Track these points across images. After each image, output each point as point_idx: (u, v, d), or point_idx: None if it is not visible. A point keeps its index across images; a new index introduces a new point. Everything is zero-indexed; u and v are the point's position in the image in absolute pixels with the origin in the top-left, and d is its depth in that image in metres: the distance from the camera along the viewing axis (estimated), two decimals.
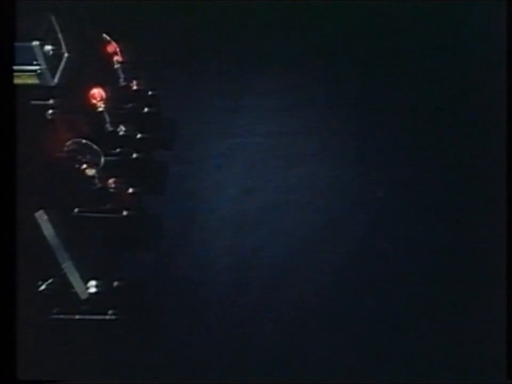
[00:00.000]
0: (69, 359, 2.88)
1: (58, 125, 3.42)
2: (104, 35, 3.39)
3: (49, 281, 2.86)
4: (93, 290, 2.91)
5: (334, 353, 2.94)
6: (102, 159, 3.05)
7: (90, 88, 3.21)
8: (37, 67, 3.43)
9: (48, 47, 3.48)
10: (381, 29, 4.56)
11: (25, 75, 3.45)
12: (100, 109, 3.26)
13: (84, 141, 3.05)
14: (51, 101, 3.52)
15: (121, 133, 3.46)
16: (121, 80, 3.59)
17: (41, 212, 2.49)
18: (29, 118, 3.15)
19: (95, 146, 3.04)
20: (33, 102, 3.45)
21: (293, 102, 4.18)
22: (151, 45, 4.40)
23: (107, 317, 2.93)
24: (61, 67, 3.62)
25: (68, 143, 3.06)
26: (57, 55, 3.60)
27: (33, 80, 3.48)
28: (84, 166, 3.00)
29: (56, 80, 3.53)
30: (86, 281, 2.88)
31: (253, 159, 3.85)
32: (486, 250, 3.15)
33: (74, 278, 2.75)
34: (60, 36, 3.65)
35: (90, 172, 3.02)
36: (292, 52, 4.48)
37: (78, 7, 4.33)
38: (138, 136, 3.53)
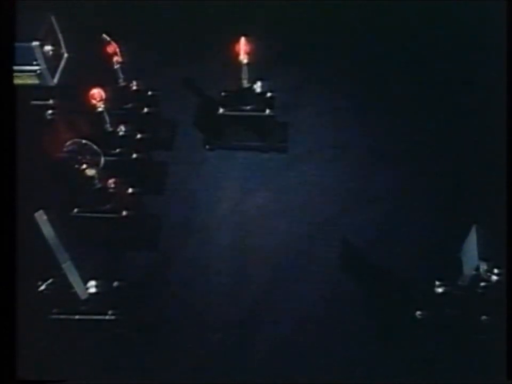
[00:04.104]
0: (69, 359, 2.88)
1: (58, 125, 3.43)
2: (104, 35, 3.39)
3: (49, 281, 2.86)
4: (92, 290, 2.91)
5: (335, 353, 2.94)
6: (102, 159, 3.05)
7: (90, 88, 3.21)
8: (36, 67, 3.45)
9: (48, 47, 3.50)
10: (381, 28, 4.57)
11: (25, 75, 3.47)
12: (100, 109, 3.27)
13: (83, 141, 3.05)
14: (51, 101, 3.53)
15: (121, 133, 3.47)
16: (121, 80, 3.59)
17: (41, 211, 2.48)
18: (29, 118, 3.16)
19: (95, 147, 3.03)
20: (33, 102, 3.47)
21: (293, 101, 4.18)
22: (151, 45, 4.41)
23: (107, 317, 2.93)
24: (60, 67, 3.64)
25: (68, 143, 3.06)
26: (57, 55, 3.62)
27: (33, 80, 3.50)
28: (84, 166, 3.00)
29: (56, 80, 3.55)
30: (86, 281, 2.88)
31: (253, 159, 3.85)
32: (486, 251, 3.14)
33: (74, 278, 2.75)
34: (59, 36, 3.67)
35: (90, 172, 3.02)
36: (292, 52, 4.48)
37: (78, 7, 4.35)
38: (138, 136, 3.54)
